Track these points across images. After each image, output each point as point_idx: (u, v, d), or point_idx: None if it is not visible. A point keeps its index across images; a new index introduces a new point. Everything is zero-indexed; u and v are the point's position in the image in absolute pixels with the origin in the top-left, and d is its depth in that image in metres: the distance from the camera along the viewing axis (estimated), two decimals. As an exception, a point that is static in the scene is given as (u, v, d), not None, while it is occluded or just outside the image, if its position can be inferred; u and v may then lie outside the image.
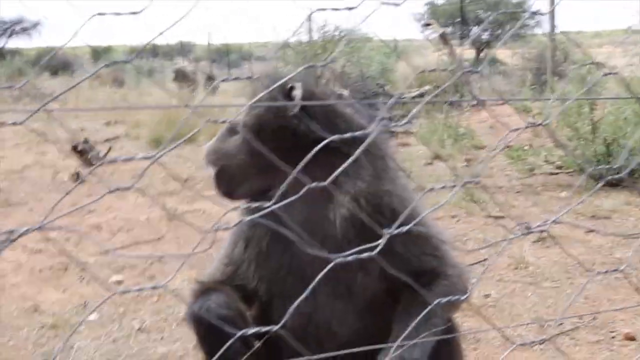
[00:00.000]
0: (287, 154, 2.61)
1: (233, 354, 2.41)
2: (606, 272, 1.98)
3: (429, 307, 2.48)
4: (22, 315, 5.09)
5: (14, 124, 1.29)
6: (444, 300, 2.51)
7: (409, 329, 2.43)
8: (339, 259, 1.44)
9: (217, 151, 2.72)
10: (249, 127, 2.65)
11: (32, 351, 4.48)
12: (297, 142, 2.51)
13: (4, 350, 4.52)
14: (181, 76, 21.30)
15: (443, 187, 1.69)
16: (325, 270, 1.56)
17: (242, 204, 2.82)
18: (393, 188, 2.63)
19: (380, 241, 1.51)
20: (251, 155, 2.64)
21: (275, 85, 2.46)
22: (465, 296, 2.62)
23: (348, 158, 2.57)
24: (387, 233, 1.51)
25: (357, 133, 1.60)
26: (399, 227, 2.50)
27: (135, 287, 1.38)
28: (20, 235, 1.29)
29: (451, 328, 2.70)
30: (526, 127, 1.75)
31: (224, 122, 1.79)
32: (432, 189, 1.64)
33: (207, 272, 2.83)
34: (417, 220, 1.99)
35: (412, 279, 2.60)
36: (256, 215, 1.80)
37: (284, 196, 1.66)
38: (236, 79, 1.52)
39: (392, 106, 16.99)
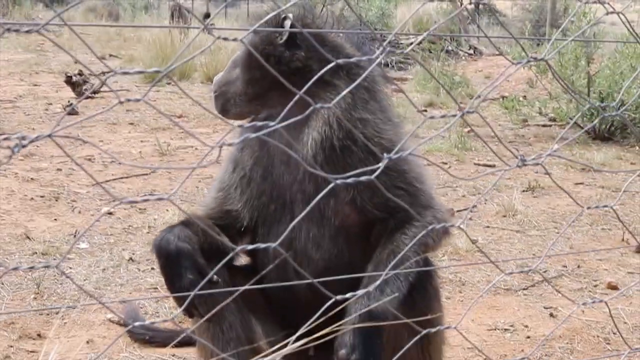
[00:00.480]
0: (274, 81, 2.67)
1: (188, 284, 2.48)
2: (596, 207, 2.00)
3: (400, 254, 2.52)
4: (14, 242, 5.13)
5: (29, 31, 1.29)
6: (417, 243, 2.53)
7: (378, 281, 2.46)
8: (339, 180, 1.46)
9: (222, 81, 2.85)
10: (242, 56, 2.80)
11: (23, 276, 4.52)
12: (281, 70, 2.55)
13: (-6, 274, 4.56)
14: (177, 14, 20.94)
15: (444, 116, 1.71)
16: (326, 190, 1.58)
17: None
18: (370, 118, 2.65)
19: (380, 165, 1.53)
20: (245, 83, 2.75)
21: (269, 16, 2.53)
22: (435, 241, 2.66)
23: (328, 86, 2.62)
24: (387, 157, 1.52)
25: (340, 60, 1.60)
26: (374, 159, 2.54)
27: (140, 197, 1.40)
28: (32, 141, 1.30)
29: (427, 271, 2.72)
30: (528, 62, 1.77)
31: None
32: (432, 117, 1.66)
33: (202, 200, 2.90)
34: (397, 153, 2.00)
35: (384, 214, 2.64)
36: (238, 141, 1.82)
37: (269, 120, 1.69)
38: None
39: (388, 52, 16.88)
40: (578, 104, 9.64)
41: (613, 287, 4.72)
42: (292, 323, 2.83)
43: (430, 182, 2.87)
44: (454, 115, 1.67)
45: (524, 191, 6.84)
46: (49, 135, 1.47)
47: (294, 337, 1.69)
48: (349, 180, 1.49)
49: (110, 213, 5.89)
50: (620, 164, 8.24)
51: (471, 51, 17.56)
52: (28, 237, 5.21)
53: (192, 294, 2.05)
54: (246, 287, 2.17)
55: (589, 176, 7.55)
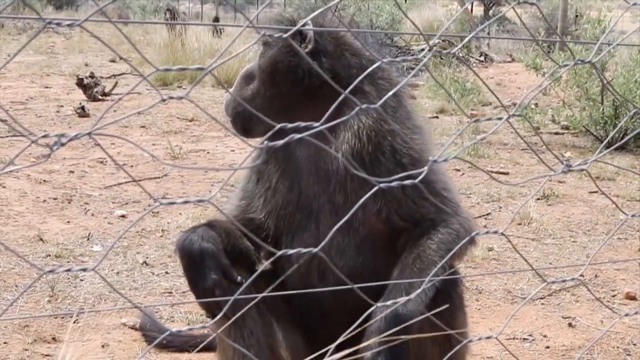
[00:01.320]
0: (301, 92, 2.63)
1: (212, 285, 2.45)
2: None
3: (427, 256, 2.49)
4: (27, 244, 5.10)
5: (70, 25, 1.26)
6: (443, 249, 2.52)
7: (404, 280, 2.45)
8: (382, 184, 1.42)
9: (235, 100, 2.75)
10: (264, 70, 2.70)
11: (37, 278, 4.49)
12: (311, 81, 2.52)
13: (9, 276, 4.54)
14: (172, 17, 20.59)
15: (489, 120, 1.67)
16: (366, 197, 1.55)
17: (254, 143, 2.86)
18: (399, 128, 2.62)
19: (424, 169, 1.49)
20: (267, 98, 2.69)
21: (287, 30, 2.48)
22: (460, 244, 2.61)
23: (358, 92, 2.58)
24: (430, 162, 1.49)
25: (386, 60, 1.57)
26: (402, 170, 2.51)
27: (179, 200, 1.37)
28: (71, 140, 1.27)
29: (453, 279, 2.69)
30: (575, 64, 1.73)
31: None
32: (477, 120, 1.62)
33: (225, 207, 2.86)
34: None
35: (411, 224, 2.61)
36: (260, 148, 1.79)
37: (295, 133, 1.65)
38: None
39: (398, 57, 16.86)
40: (591, 112, 9.59)
41: (631, 298, 4.68)
42: (312, 329, 2.80)
43: (456, 190, 2.84)
44: (500, 119, 1.63)
45: (539, 199, 6.79)
46: (89, 134, 1.43)
47: (332, 346, 1.65)
48: (392, 185, 1.45)
49: (123, 216, 5.87)
50: (634, 173, 8.18)
51: (482, 58, 17.51)
52: (41, 240, 5.18)
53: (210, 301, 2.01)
54: (268, 293, 2.13)
55: (603, 185, 7.50)
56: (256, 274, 1.55)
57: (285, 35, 1.40)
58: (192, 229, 2.59)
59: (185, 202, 1.41)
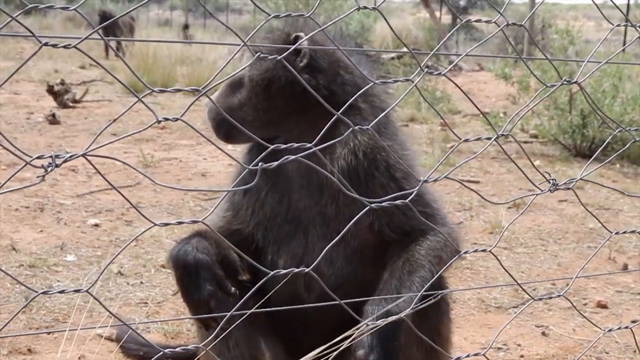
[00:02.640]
0: (295, 107, 2.62)
1: (207, 296, 2.45)
2: (624, 232, 2.00)
3: (415, 258, 2.53)
4: (0, 253, 5.06)
5: (66, 47, 1.27)
6: (431, 254, 2.56)
7: (394, 281, 2.47)
8: (374, 204, 1.45)
9: (221, 107, 2.67)
10: (257, 82, 2.63)
11: (11, 289, 4.46)
12: (307, 97, 2.50)
13: (-18, 286, 4.50)
14: (103, 19, 19.43)
15: (479, 139, 1.70)
16: (361, 214, 1.57)
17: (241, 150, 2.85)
18: (392, 144, 2.64)
19: (413, 190, 1.52)
20: (257, 110, 2.65)
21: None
22: (447, 251, 2.64)
23: (352, 109, 2.60)
24: (422, 180, 1.51)
25: (378, 82, 1.59)
26: (395, 184, 2.55)
27: (174, 221, 1.38)
28: (65, 161, 1.28)
29: (440, 284, 2.72)
30: (561, 84, 1.77)
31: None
32: (467, 140, 1.66)
33: (210, 218, 2.84)
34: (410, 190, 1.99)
35: (402, 235, 2.64)
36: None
37: (280, 143, 1.65)
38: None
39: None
40: (560, 121, 9.73)
41: (602, 306, 4.75)
42: (295, 339, 2.82)
43: (442, 202, 2.88)
44: (489, 139, 1.67)
45: (509, 208, 6.86)
46: (83, 155, 1.45)
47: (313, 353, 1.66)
48: (384, 204, 1.48)
49: (96, 225, 5.84)
50: (601, 181, 8.30)
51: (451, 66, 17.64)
52: (14, 249, 5.14)
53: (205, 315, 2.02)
54: (256, 309, 2.14)
55: (572, 193, 7.57)
56: (255, 287, 1.56)
57: (279, 57, 1.42)
58: (185, 240, 2.57)
59: (180, 222, 1.42)
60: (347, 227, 1.60)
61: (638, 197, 7.25)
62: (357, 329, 2.18)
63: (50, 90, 10.61)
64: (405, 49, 15.34)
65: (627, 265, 5.49)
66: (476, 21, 1.89)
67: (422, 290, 2.28)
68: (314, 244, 2.63)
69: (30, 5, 1.36)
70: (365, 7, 1.50)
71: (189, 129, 9.71)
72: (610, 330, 2.26)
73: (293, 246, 2.66)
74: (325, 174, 2.42)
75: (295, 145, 1.37)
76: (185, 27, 27.51)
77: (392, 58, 15.76)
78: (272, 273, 1.42)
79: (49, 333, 4.03)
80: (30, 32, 1.40)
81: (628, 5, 23.45)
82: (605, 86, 9.27)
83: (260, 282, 1.71)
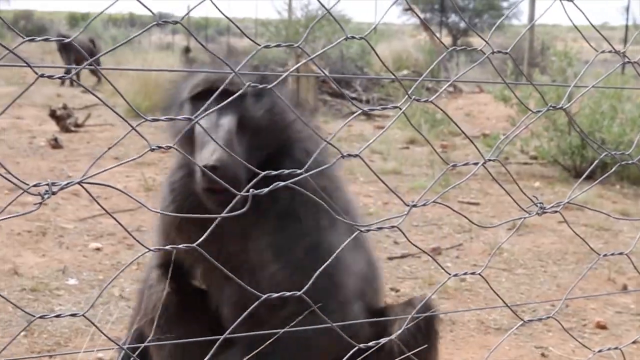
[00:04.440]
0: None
1: None
2: (612, 254, 2.04)
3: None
4: (2, 277, 5.09)
5: (62, 77, 1.32)
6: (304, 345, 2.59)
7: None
8: (364, 228, 1.49)
9: (226, 156, 2.49)
10: (260, 120, 2.65)
11: (13, 313, 4.49)
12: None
13: (-16, 310, 4.53)
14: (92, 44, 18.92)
15: (466, 164, 1.75)
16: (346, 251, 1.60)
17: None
18: (327, 184, 2.64)
19: (404, 213, 1.56)
20: (252, 149, 2.64)
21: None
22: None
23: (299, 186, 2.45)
24: (411, 205, 1.56)
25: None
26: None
27: (168, 246, 1.42)
28: (62, 189, 1.32)
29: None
30: (547, 110, 1.82)
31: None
32: (454, 166, 1.70)
33: (149, 255, 2.91)
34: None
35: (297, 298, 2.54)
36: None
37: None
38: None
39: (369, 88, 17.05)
40: (559, 142, 9.78)
41: (602, 327, 4.77)
42: None
43: (351, 271, 2.79)
44: (476, 163, 1.71)
45: (509, 229, 6.89)
46: (79, 182, 1.49)
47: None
48: (373, 228, 1.52)
49: (98, 249, 5.87)
50: (601, 202, 8.33)
51: (451, 89, 17.75)
52: (16, 273, 5.17)
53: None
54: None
55: (572, 214, 7.62)
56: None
57: (269, 86, 1.47)
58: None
59: (174, 248, 1.46)
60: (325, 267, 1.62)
61: (629, 220, 7.28)
62: None
63: (53, 114, 10.68)
64: (391, 75, 15.41)
65: (627, 286, 5.52)
66: (462, 49, 1.93)
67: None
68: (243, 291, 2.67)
69: (26, 39, 1.41)
70: (352, 37, 1.55)
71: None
72: (600, 351, 2.29)
73: (227, 291, 2.81)
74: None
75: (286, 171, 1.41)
76: (187, 50, 27.64)
77: (392, 81, 15.85)
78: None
79: (50, 357, 4.06)
80: (27, 63, 1.44)
81: (627, 27, 23.60)
82: (604, 107, 9.33)
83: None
